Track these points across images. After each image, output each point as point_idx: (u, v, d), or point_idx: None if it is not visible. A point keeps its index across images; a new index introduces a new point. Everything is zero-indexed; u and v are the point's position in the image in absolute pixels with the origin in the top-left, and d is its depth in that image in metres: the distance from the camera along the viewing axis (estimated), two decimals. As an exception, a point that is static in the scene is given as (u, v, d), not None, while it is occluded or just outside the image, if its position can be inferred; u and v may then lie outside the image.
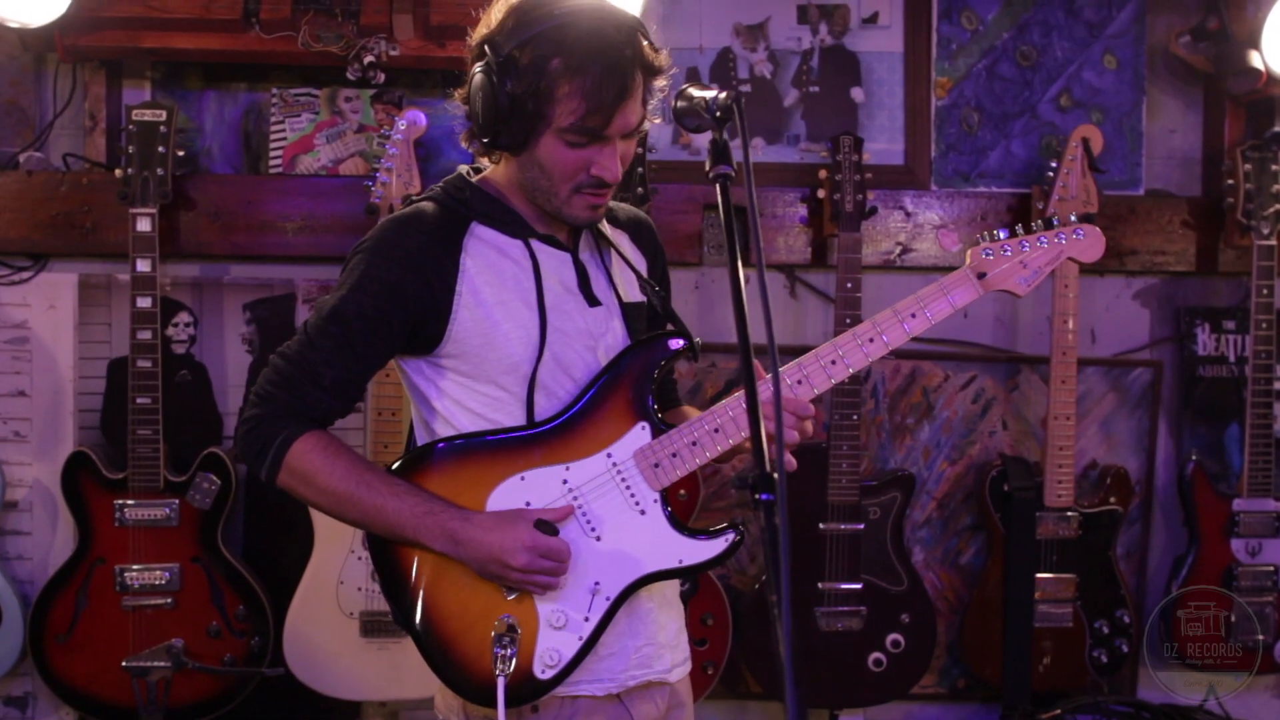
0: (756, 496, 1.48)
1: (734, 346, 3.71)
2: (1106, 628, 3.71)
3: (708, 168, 1.85)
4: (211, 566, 3.50)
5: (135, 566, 3.46)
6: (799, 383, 2.11)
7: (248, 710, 3.56)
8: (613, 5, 2.03)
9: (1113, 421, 3.92)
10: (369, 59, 3.46)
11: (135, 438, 3.43)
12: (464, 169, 2.15)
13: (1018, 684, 3.69)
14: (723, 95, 1.88)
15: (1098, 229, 2.21)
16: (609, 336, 2.14)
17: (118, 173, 3.43)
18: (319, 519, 3.46)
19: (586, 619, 2.06)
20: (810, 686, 3.66)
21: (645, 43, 2.00)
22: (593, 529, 2.07)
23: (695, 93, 1.95)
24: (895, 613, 3.66)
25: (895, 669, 3.67)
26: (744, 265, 1.73)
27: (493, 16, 2.02)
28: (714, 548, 2.09)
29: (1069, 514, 3.67)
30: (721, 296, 3.78)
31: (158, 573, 3.47)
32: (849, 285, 3.54)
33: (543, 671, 2.04)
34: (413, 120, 3.47)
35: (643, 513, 2.08)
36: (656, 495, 2.08)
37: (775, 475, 1.50)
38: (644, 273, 2.25)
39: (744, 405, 2.00)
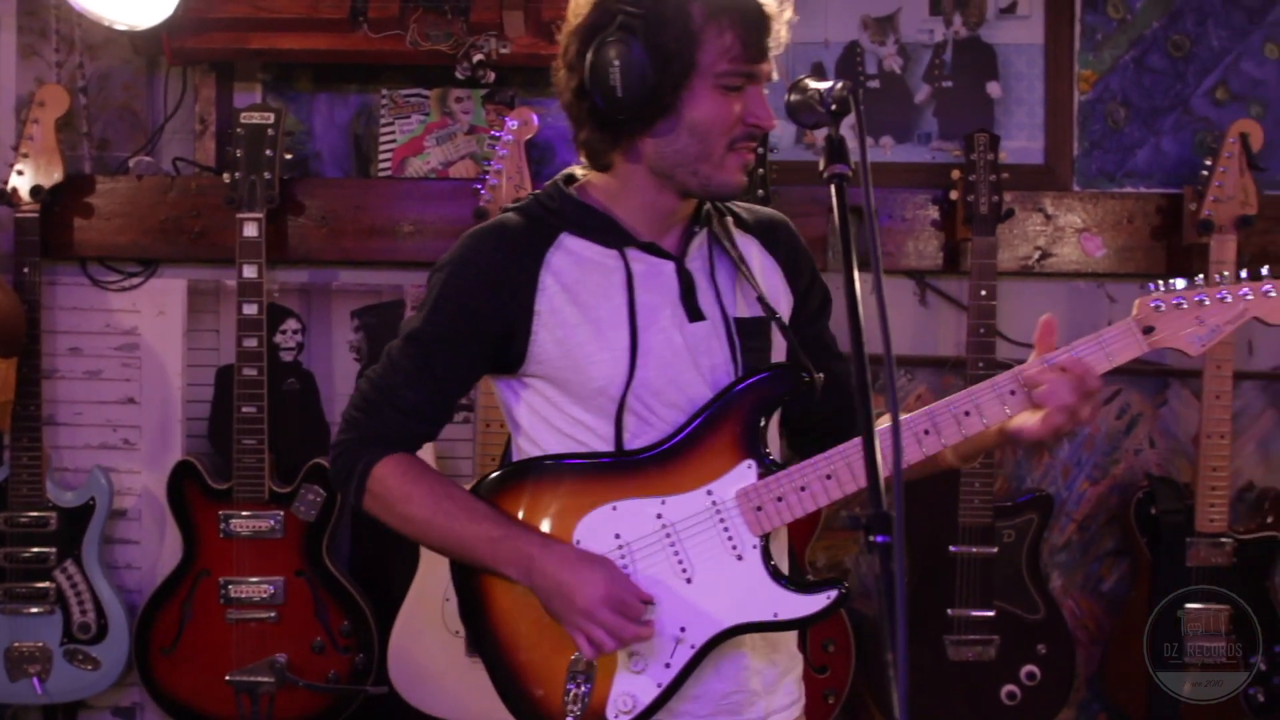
0: (871, 539, 1.31)
1: (876, 359, 3.55)
2: (1264, 664, 3.42)
3: (821, 166, 1.69)
4: (316, 580, 3.41)
5: (239, 579, 3.39)
6: (926, 432, 1.90)
7: (352, 728, 3.48)
8: None
9: (1272, 440, 3.63)
10: (478, 57, 3.33)
11: (240, 447, 3.35)
12: (559, 177, 2.03)
13: (1164, 722, 3.43)
14: (839, 86, 1.73)
15: None
16: (712, 355, 1.96)
17: (225, 177, 3.36)
18: (425, 533, 3.35)
19: (668, 665, 1.90)
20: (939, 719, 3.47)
21: None
22: (684, 570, 1.91)
23: (811, 84, 1.80)
24: (1031, 643, 3.42)
25: (1031, 703, 3.42)
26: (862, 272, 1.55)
27: (581, 3, 1.89)
28: (814, 603, 1.90)
29: (1223, 540, 3.39)
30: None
31: (261, 586, 3.40)
32: (983, 293, 3.31)
33: (616, 716, 1.91)
34: (523, 120, 3.34)
35: (740, 558, 1.90)
36: (757, 541, 1.90)
37: (892, 514, 1.32)
38: (780, 282, 2.07)
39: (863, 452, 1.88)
